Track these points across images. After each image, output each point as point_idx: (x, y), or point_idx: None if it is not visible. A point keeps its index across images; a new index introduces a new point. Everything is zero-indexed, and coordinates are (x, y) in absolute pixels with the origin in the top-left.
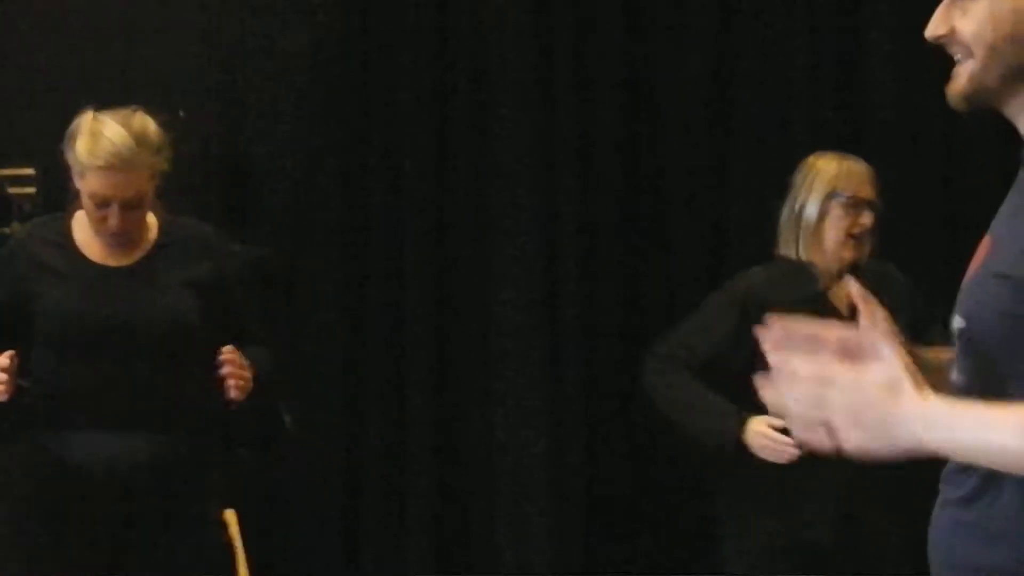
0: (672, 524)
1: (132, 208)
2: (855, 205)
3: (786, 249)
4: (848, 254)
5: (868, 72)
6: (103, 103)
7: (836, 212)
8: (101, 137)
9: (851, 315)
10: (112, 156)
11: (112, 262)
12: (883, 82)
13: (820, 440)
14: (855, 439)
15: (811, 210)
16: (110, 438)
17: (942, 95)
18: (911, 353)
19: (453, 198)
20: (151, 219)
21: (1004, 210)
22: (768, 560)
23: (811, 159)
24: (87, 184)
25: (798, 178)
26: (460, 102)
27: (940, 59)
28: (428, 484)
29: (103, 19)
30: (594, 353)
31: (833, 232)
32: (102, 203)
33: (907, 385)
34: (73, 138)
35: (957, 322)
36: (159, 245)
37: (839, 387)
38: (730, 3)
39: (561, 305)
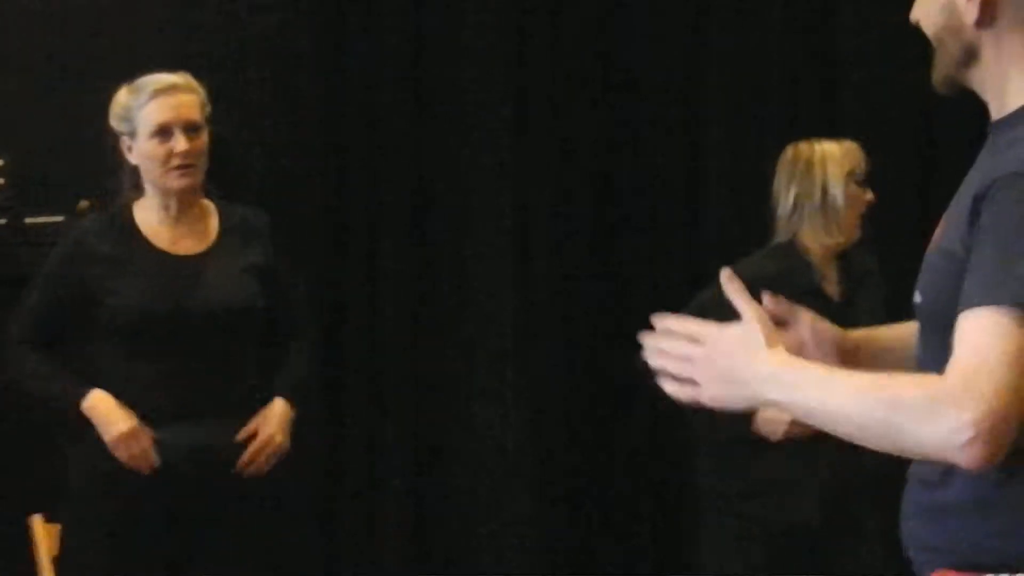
0: (654, 519)
1: (194, 134)
2: (864, 182)
3: (785, 236)
4: (858, 232)
5: (843, 64)
6: (73, 94)
7: (854, 191)
8: (143, 80)
9: (843, 301)
10: (163, 80)
11: (182, 251)
12: (858, 72)
13: (686, 393)
14: (712, 392)
15: (836, 192)
16: (183, 429)
17: (918, 86)
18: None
19: (430, 196)
20: (210, 205)
21: (961, 186)
22: (750, 543)
23: (802, 146)
24: (146, 120)
25: (797, 166)
26: (435, 97)
27: (915, 50)
28: (406, 482)
29: (70, 10)
30: (574, 348)
31: (852, 211)
32: (165, 131)
33: (760, 343)
34: (116, 102)
35: (916, 297)
36: (221, 231)
37: (703, 343)
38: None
39: (539, 300)
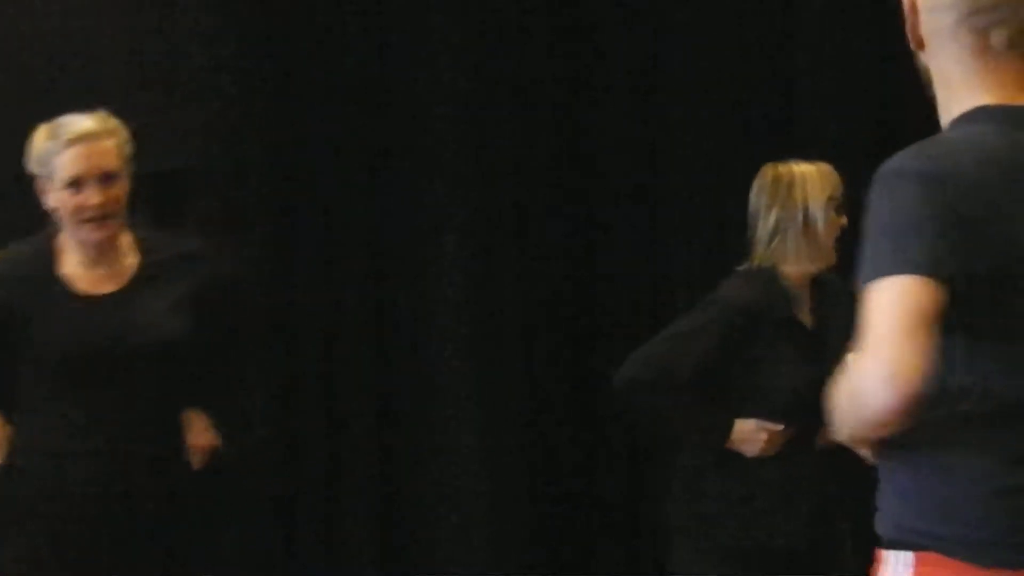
0: (615, 524)
1: (110, 183)
2: (840, 207)
3: (764, 260)
4: (834, 257)
5: (801, 67)
6: (27, 117)
7: (831, 215)
8: (61, 123)
9: (816, 329)
10: (78, 128)
11: (97, 291)
12: (816, 80)
13: None
14: None
15: (818, 216)
16: (104, 464)
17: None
18: None
19: (386, 203)
20: (129, 241)
21: None
22: (726, 562)
23: (781, 169)
24: (59, 171)
25: (778, 188)
26: (393, 105)
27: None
28: (366, 488)
29: (25, 34)
30: (533, 353)
31: (829, 236)
32: (77, 183)
33: None
34: (34, 145)
35: None
36: (141, 267)
37: None
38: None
39: (497, 304)
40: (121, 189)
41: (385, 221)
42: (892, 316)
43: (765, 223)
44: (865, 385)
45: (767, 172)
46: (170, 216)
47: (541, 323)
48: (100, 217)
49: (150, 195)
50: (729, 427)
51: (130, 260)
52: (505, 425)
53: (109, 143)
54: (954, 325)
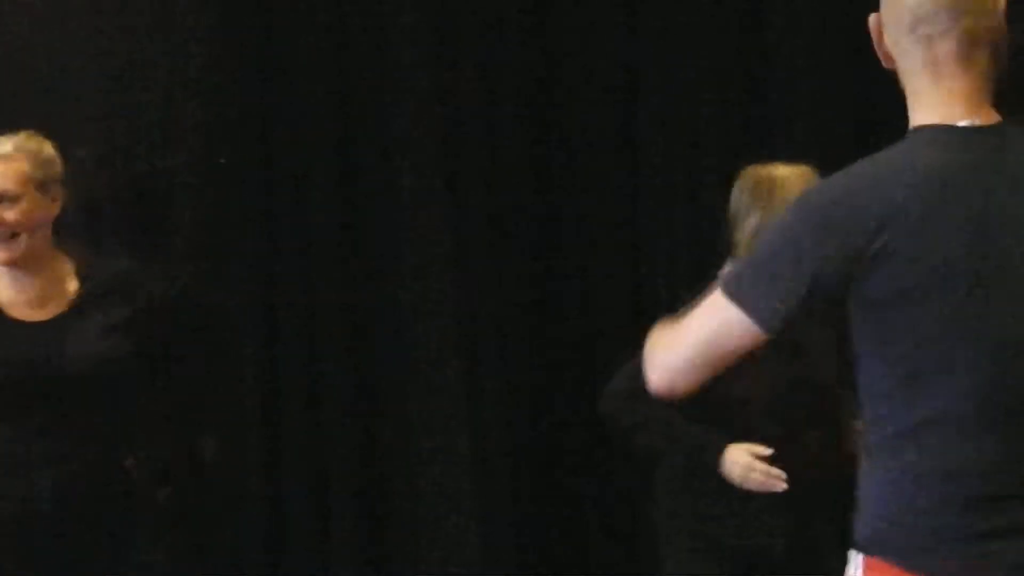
0: (600, 526)
1: (11, 204)
2: None
3: None
4: None
5: (779, 68)
6: None
7: None
8: None
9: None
10: None
11: (32, 317)
12: (794, 81)
13: None
14: None
15: None
16: (42, 489)
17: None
18: None
19: (360, 213)
20: (67, 267)
21: None
22: (703, 562)
23: (761, 171)
24: None
25: (759, 191)
26: (362, 112)
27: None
28: (351, 494)
29: None
30: (512, 359)
31: None
32: None
33: None
34: None
35: None
36: (78, 294)
37: None
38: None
39: (478, 311)
40: (20, 212)
41: (366, 222)
42: (702, 336)
43: (746, 225)
44: (649, 360)
45: (748, 174)
46: (143, 223)
47: (527, 323)
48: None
49: (125, 204)
50: (721, 450)
51: (67, 286)
52: (497, 425)
53: (12, 166)
54: (869, 348)
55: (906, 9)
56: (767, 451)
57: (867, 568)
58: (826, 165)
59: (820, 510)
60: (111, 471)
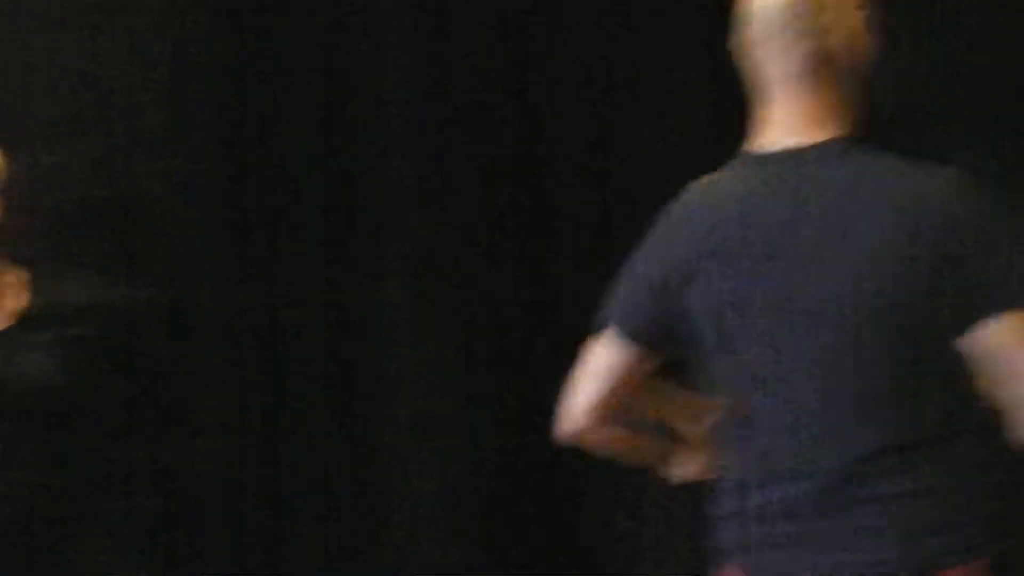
0: (565, 527)
1: None
2: None
3: None
4: None
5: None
6: None
7: None
8: None
9: None
10: None
11: None
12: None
13: None
14: None
15: None
16: None
17: None
18: None
19: (343, 218)
20: (17, 279)
21: None
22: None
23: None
24: None
25: None
26: (344, 116)
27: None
28: (312, 497)
29: None
30: (476, 357)
31: None
32: None
33: None
34: None
35: None
36: (25, 311)
37: None
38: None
39: (442, 311)
40: None
41: (337, 225)
42: (584, 363)
43: None
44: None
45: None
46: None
47: (489, 330)
48: None
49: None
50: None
51: (14, 299)
52: (463, 426)
53: None
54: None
55: (749, 30)
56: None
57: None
58: None
59: None
60: (50, 494)
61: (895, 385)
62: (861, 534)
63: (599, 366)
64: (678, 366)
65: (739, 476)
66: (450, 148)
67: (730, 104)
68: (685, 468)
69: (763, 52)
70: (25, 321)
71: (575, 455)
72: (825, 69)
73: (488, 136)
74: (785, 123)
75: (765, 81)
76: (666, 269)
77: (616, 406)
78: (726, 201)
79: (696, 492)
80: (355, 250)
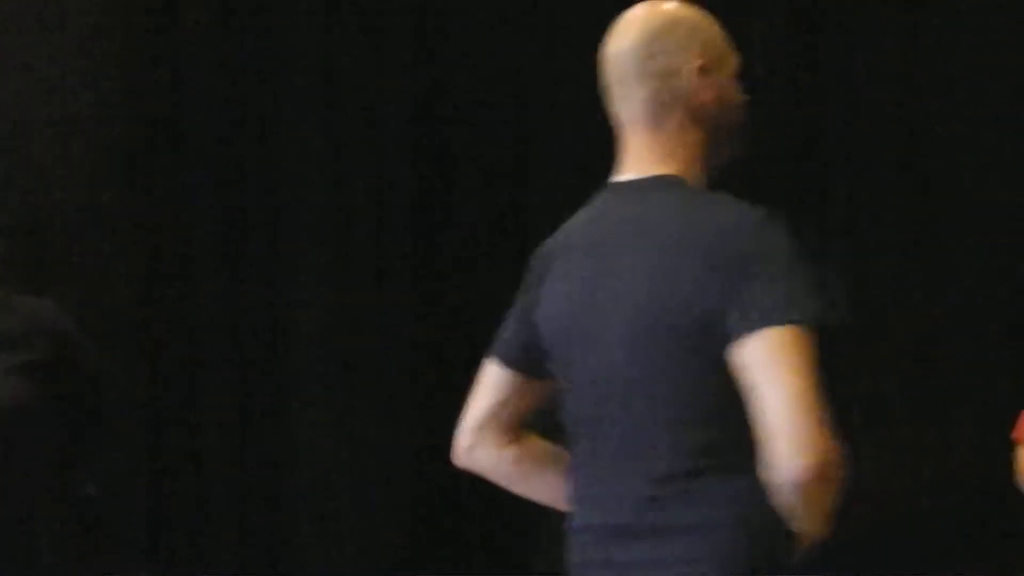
0: (491, 523)
1: None
2: None
3: None
4: None
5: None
6: None
7: None
8: None
9: None
10: None
11: None
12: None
13: None
14: None
15: None
16: None
17: None
18: None
19: (246, 236)
20: None
21: None
22: None
23: None
24: None
25: None
26: (249, 133)
27: None
28: (231, 491)
29: None
30: (392, 354)
31: None
32: None
33: None
34: None
35: None
36: None
37: None
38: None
39: (355, 309)
40: None
41: (245, 231)
42: (474, 388)
43: None
44: None
45: None
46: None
47: (403, 330)
48: None
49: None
50: None
51: None
52: (371, 428)
53: None
54: None
55: (605, 72)
56: None
57: None
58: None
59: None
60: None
61: (685, 410)
62: (659, 564)
63: (483, 389)
64: None
65: (572, 496)
66: (350, 151)
67: None
68: None
69: (612, 95)
70: None
71: None
72: (662, 112)
73: (391, 136)
74: (633, 157)
75: (617, 120)
76: (530, 296)
77: (503, 427)
78: (576, 228)
79: None
80: (264, 254)
